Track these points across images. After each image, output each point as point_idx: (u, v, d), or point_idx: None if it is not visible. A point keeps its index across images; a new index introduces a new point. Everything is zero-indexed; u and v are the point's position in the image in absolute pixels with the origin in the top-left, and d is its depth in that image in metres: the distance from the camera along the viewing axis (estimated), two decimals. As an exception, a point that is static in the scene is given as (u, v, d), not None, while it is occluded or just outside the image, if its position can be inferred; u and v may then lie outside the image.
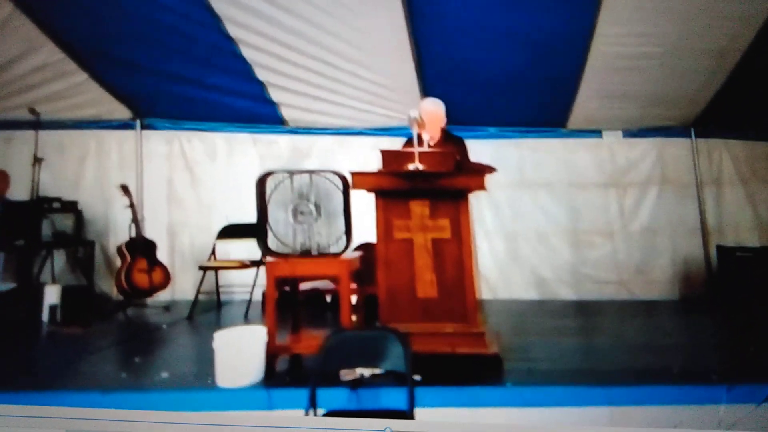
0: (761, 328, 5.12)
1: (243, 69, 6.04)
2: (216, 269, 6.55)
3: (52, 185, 6.65)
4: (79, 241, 6.68)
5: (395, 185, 4.23)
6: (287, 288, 4.68)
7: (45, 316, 5.87)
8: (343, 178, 4.28)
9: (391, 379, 3.57)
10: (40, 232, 6.33)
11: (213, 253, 6.58)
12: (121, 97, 6.77)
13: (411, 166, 4.17)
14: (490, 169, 4.52)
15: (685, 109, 6.52)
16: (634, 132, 6.94)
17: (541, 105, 6.47)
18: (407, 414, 3.16)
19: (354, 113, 6.67)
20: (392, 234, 4.26)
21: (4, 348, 5.09)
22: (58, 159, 6.82)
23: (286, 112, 6.77)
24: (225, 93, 6.44)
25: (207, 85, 6.33)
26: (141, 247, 6.33)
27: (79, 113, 6.80)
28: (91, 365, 4.63)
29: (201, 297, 6.31)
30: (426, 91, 5.94)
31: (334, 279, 4.90)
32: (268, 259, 4.36)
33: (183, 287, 6.69)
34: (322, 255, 4.27)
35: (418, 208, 4.25)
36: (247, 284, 6.37)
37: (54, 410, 2.74)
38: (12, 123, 6.52)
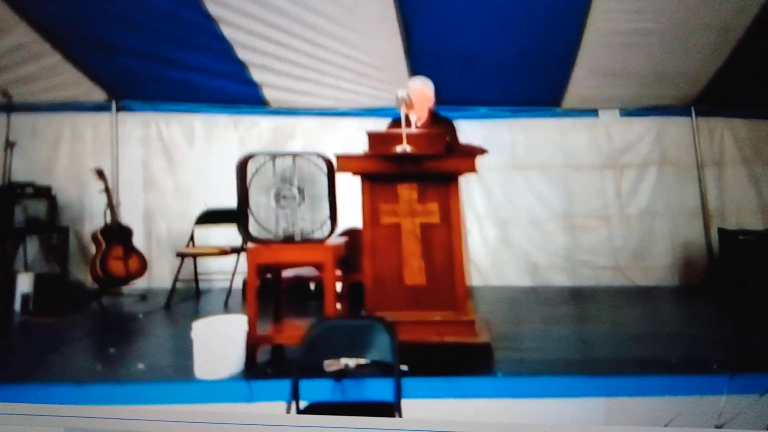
0: (764, 314, 5.14)
1: (223, 48, 5.92)
2: (194, 256, 6.47)
3: (24, 170, 6.54)
4: (52, 227, 6.58)
5: (382, 168, 4.18)
6: (269, 275, 4.63)
7: (17, 305, 5.79)
8: (328, 161, 4.23)
9: (377, 369, 3.50)
10: (12, 218, 6.24)
11: (191, 239, 6.49)
12: (96, 79, 6.67)
13: (399, 148, 4.11)
14: (481, 151, 4.41)
15: (686, 87, 6.45)
16: (631, 111, 6.86)
17: (534, 83, 6.38)
18: (394, 406, 3.12)
19: (339, 93, 6.59)
20: (379, 219, 4.20)
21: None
22: (31, 143, 6.72)
23: (268, 93, 6.68)
24: (204, 73, 6.33)
25: (185, 66, 6.22)
26: (117, 234, 6.27)
27: (53, 95, 6.71)
28: (65, 356, 4.58)
29: (179, 285, 6.24)
30: (414, 69, 5.86)
31: (318, 266, 4.81)
32: (249, 245, 4.34)
33: (160, 275, 6.62)
34: (306, 241, 4.22)
35: (406, 192, 4.18)
36: (227, 272, 6.32)
37: (52, 408, 2.75)
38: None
